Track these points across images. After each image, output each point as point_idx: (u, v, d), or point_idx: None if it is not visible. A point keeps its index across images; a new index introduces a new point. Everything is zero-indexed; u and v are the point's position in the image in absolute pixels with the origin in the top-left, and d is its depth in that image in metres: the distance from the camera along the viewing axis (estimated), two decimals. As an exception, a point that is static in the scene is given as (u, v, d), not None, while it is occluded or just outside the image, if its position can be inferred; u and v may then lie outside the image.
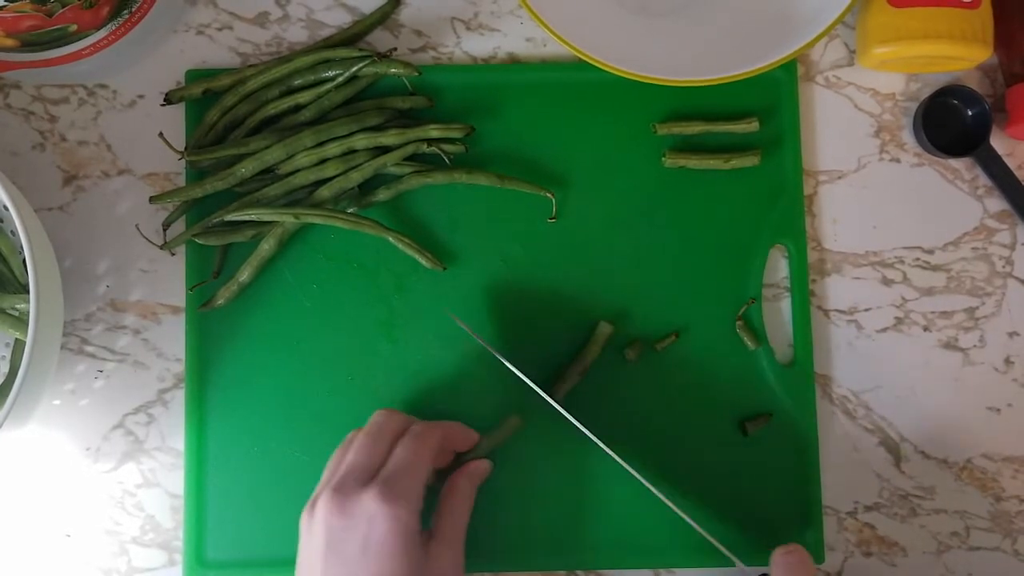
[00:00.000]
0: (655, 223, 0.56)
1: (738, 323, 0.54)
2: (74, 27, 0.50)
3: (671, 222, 0.55)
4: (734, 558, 0.50)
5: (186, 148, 0.55)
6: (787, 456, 0.54)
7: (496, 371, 0.54)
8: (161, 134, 0.55)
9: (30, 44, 0.51)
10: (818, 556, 0.53)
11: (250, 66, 0.56)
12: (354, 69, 0.54)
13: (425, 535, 0.46)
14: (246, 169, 0.54)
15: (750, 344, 0.54)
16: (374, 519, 0.43)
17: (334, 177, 0.54)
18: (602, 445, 0.51)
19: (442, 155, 0.55)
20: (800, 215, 0.55)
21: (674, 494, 0.53)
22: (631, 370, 0.54)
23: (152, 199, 0.55)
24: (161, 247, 0.55)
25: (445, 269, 0.55)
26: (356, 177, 0.54)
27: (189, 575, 0.54)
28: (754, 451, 0.54)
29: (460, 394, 0.54)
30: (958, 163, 0.57)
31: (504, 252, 0.55)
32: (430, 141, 0.54)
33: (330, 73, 0.55)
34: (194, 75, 0.56)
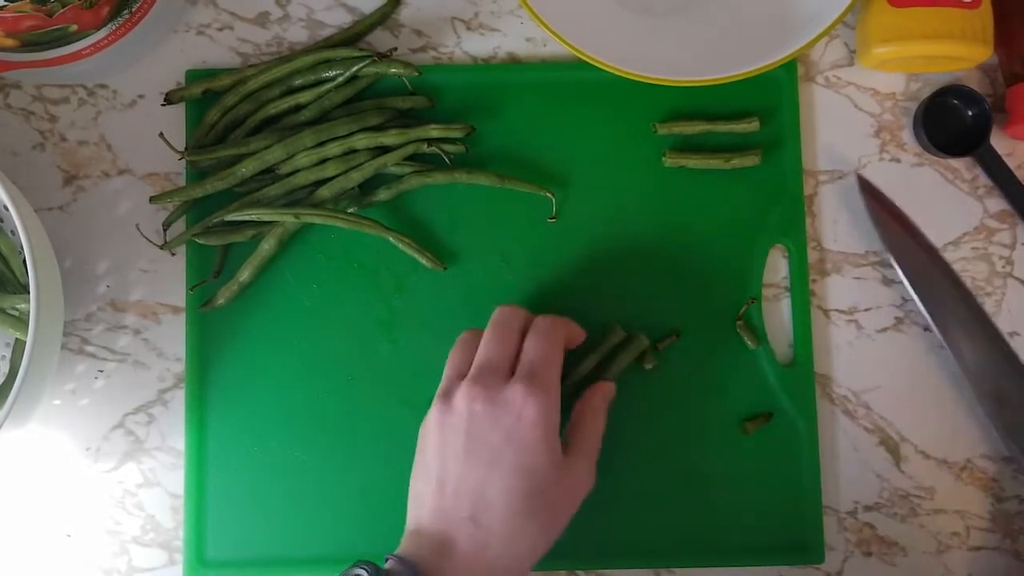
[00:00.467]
0: (655, 223, 0.56)
1: (738, 323, 0.54)
2: (74, 27, 0.50)
3: (671, 222, 0.55)
4: None
5: (186, 148, 0.55)
6: (787, 456, 0.54)
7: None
8: (161, 134, 0.55)
9: (30, 44, 0.51)
10: (818, 556, 0.53)
11: (250, 66, 0.56)
12: (354, 69, 0.54)
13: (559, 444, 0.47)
14: (246, 169, 0.54)
15: (750, 344, 0.54)
16: (523, 409, 0.45)
17: (334, 177, 0.54)
18: None
19: (442, 155, 0.55)
20: (800, 215, 0.55)
21: (674, 493, 0.53)
22: (632, 370, 0.54)
23: (152, 199, 0.55)
24: (161, 247, 0.55)
25: (445, 269, 0.55)
26: (356, 177, 0.54)
27: (189, 575, 0.54)
28: (754, 451, 0.54)
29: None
30: (958, 163, 0.57)
31: (504, 252, 0.55)
32: (430, 141, 0.54)
33: (330, 73, 0.55)
34: (194, 75, 0.56)
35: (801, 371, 0.54)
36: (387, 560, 0.44)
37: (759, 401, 0.54)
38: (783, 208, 0.55)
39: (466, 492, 0.44)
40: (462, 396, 0.46)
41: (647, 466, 0.54)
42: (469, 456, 0.45)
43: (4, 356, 0.55)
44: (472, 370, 0.47)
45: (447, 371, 0.49)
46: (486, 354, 0.47)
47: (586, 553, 0.54)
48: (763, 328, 0.55)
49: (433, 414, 0.47)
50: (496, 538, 0.44)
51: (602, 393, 0.51)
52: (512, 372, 0.47)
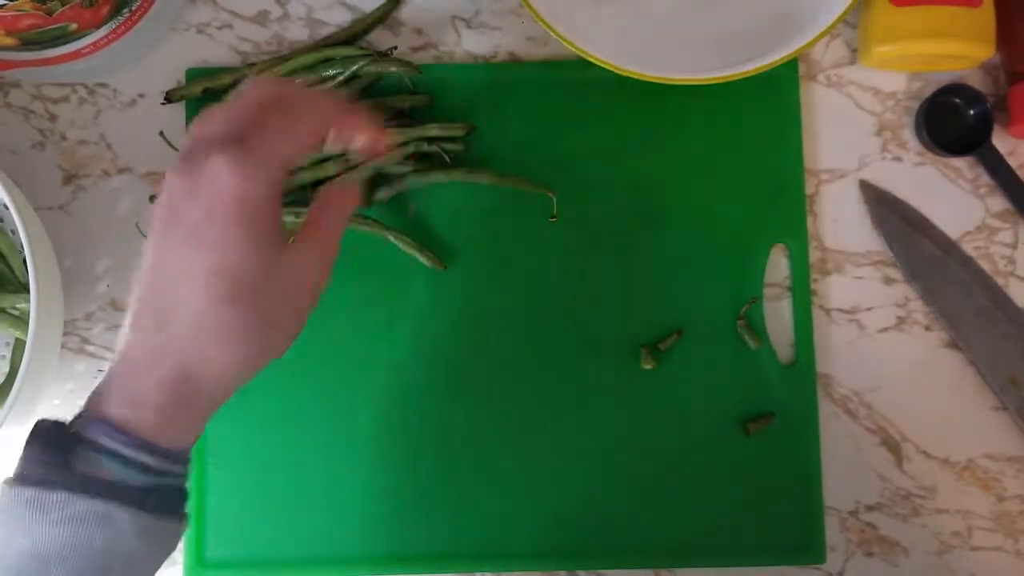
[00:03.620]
0: (656, 222, 0.55)
1: (739, 322, 0.54)
2: (74, 26, 0.50)
3: (672, 221, 0.55)
4: None
5: (186, 147, 0.55)
6: (788, 456, 0.54)
7: (497, 371, 0.54)
8: (162, 133, 0.55)
9: (30, 43, 0.51)
10: (819, 556, 0.53)
11: (250, 65, 0.56)
12: (354, 68, 0.54)
13: (286, 235, 0.40)
14: (246, 168, 0.54)
15: (751, 344, 0.54)
16: (219, 179, 0.36)
17: (334, 176, 0.54)
18: None
19: (442, 154, 0.54)
20: (802, 214, 0.55)
21: (675, 493, 0.53)
22: (633, 369, 0.54)
23: (152, 198, 0.54)
24: (161, 246, 0.55)
25: (446, 268, 0.55)
26: (356, 176, 0.54)
27: (189, 575, 0.53)
28: (756, 451, 0.54)
29: (461, 394, 0.54)
30: (960, 162, 0.57)
31: (504, 252, 0.55)
32: (430, 140, 0.54)
33: (330, 72, 0.55)
34: (194, 74, 0.56)
35: (803, 371, 0.54)
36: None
37: (760, 401, 0.54)
38: (784, 207, 0.55)
39: (152, 285, 0.38)
40: (168, 175, 0.38)
41: (648, 466, 0.54)
42: (167, 237, 0.37)
43: (4, 356, 0.55)
44: (185, 145, 0.38)
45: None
46: (201, 128, 0.38)
47: (586, 553, 0.54)
48: (764, 328, 0.55)
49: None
50: (182, 342, 0.37)
51: (351, 193, 0.43)
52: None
